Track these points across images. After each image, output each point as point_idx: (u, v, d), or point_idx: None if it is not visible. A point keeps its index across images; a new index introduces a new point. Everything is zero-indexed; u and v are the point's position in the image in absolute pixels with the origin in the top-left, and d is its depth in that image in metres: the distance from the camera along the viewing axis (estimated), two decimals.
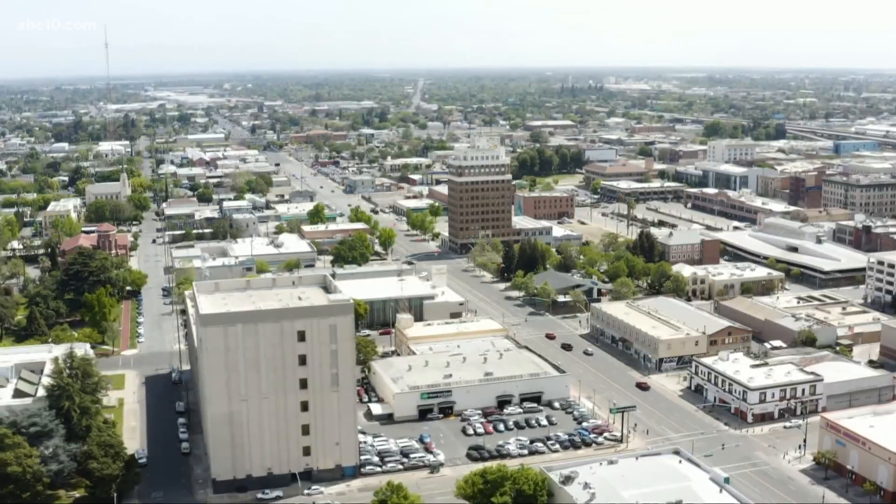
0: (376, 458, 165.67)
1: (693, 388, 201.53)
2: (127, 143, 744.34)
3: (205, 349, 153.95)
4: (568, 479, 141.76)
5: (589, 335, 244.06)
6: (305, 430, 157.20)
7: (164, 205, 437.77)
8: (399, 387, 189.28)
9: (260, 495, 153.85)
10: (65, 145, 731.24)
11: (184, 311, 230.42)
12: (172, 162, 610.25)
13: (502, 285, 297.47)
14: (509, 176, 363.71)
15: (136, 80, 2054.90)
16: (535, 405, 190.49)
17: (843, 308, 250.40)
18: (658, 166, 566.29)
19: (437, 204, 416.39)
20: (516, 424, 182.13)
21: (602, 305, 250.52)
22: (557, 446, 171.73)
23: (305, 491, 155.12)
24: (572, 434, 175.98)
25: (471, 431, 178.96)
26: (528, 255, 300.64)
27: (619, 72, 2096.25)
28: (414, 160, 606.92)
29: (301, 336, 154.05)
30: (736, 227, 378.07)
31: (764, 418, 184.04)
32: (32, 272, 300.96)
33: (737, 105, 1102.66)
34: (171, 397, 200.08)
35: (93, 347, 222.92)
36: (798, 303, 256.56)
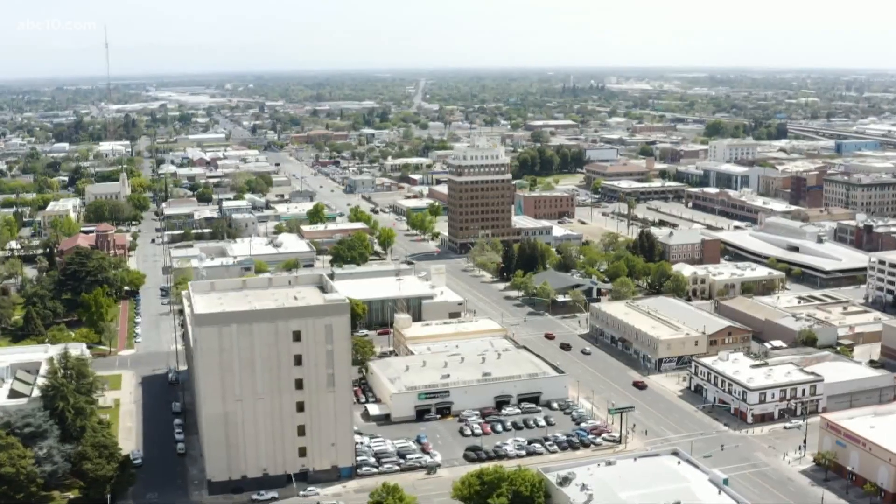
0: (373, 459, 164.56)
1: (692, 388, 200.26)
2: (127, 143, 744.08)
3: (199, 349, 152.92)
4: (565, 481, 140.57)
5: (588, 335, 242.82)
6: (301, 430, 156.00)
7: (163, 205, 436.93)
8: (396, 387, 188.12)
9: (255, 496, 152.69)
10: (65, 145, 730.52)
11: (181, 311, 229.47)
12: (173, 162, 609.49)
13: (502, 285, 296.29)
14: (509, 175, 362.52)
15: (137, 80, 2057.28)
16: (533, 406, 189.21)
17: (844, 308, 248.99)
18: (659, 166, 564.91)
19: (437, 204, 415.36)
20: (514, 425, 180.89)
21: (601, 305, 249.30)
22: (555, 447, 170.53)
23: (301, 492, 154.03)
24: (570, 435, 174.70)
25: (468, 432, 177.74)
26: (528, 254, 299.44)
27: (620, 72, 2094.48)
28: (414, 160, 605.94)
29: (296, 336, 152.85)
30: (737, 227, 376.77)
31: (764, 419, 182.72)
32: (30, 272, 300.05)
33: (738, 105, 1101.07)
34: (168, 398, 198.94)
35: (89, 348, 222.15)
36: (799, 302, 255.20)
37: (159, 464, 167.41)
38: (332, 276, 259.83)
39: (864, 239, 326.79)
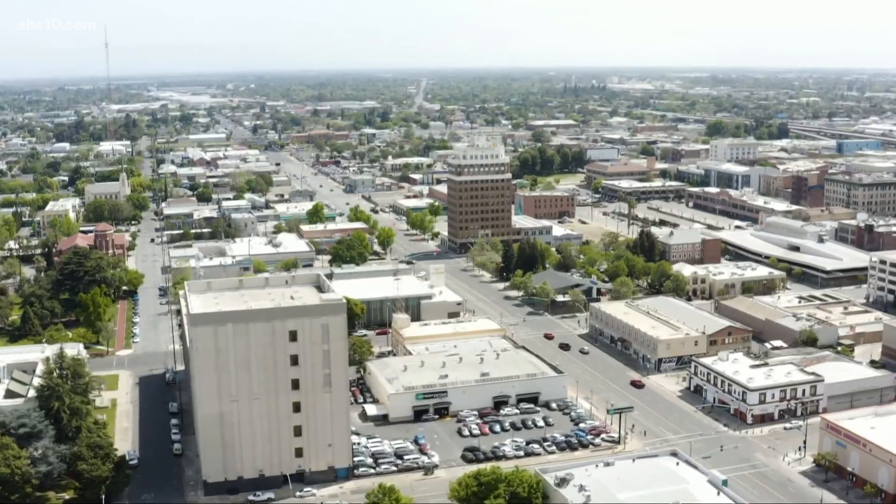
0: (370, 460, 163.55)
1: (692, 388, 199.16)
2: (128, 143, 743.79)
3: (195, 349, 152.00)
4: (563, 482, 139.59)
5: (588, 335, 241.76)
6: (297, 431, 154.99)
7: (163, 204, 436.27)
8: (394, 387, 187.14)
9: (251, 497, 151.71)
10: (66, 145, 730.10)
11: (179, 311, 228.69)
12: (173, 162, 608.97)
13: (501, 285, 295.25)
14: (509, 175, 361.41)
15: (138, 80, 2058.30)
16: (531, 406, 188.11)
17: (845, 308, 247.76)
18: (660, 165, 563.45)
19: (437, 203, 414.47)
20: (512, 425, 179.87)
21: (601, 305, 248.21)
22: (554, 448, 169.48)
23: (297, 493, 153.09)
24: (569, 435, 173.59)
25: (466, 433, 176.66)
26: (528, 254, 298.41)
27: (620, 72, 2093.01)
28: (415, 160, 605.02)
29: (293, 336, 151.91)
30: (737, 227, 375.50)
31: (763, 419, 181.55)
32: (29, 272, 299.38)
33: (740, 105, 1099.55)
34: (165, 398, 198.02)
35: (87, 347, 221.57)
36: (799, 302, 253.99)
37: (155, 464, 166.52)
38: (330, 276, 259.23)
39: (865, 238, 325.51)
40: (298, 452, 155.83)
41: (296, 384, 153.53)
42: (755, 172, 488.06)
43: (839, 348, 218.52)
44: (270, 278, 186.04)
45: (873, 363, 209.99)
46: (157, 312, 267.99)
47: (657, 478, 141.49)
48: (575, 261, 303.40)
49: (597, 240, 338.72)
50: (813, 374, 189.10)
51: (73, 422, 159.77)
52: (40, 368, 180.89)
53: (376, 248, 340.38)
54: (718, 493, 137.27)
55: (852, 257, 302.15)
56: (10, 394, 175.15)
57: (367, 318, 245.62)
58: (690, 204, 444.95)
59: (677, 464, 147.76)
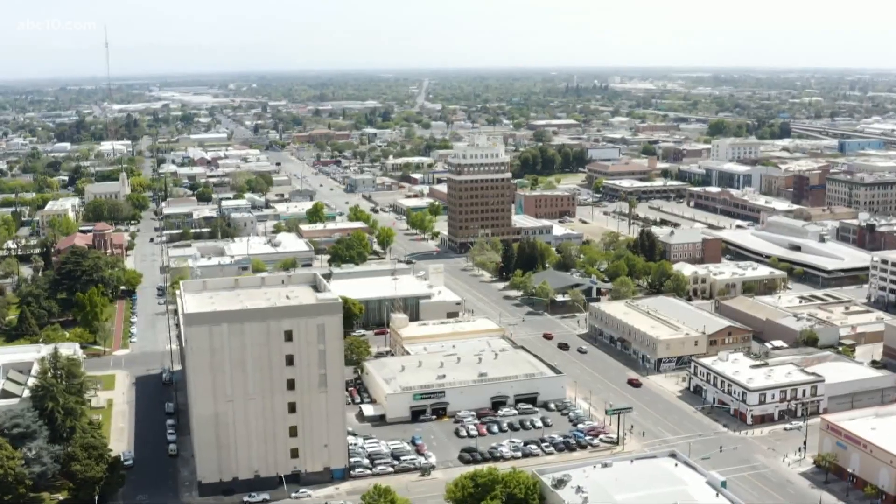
0: (366, 461, 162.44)
1: (692, 388, 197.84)
2: (129, 142, 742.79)
3: (190, 349, 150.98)
4: (560, 483, 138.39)
5: (587, 335, 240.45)
6: (293, 431, 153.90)
7: (162, 204, 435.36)
8: (391, 387, 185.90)
9: (246, 498, 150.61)
10: (67, 145, 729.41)
11: (177, 311, 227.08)
12: (173, 161, 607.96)
13: (501, 284, 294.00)
14: (509, 174, 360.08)
15: (141, 80, 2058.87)
16: (530, 406, 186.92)
17: (846, 307, 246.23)
18: (661, 165, 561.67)
19: (437, 203, 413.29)
20: (510, 426, 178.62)
21: (601, 305, 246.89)
22: (552, 448, 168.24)
23: (293, 494, 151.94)
24: (567, 436, 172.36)
25: (464, 433, 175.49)
26: (527, 254, 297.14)
27: (622, 72, 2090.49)
28: (416, 159, 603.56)
29: (288, 336, 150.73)
30: (738, 226, 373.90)
31: (763, 420, 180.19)
32: (27, 272, 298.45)
33: (742, 104, 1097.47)
34: (161, 398, 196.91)
35: (84, 347, 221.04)
36: (800, 302, 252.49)
37: (151, 465, 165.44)
38: (329, 276, 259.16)
39: (866, 238, 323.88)
40: (294, 453, 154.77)
41: (291, 384, 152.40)
42: (757, 172, 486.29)
43: (840, 348, 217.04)
44: (266, 278, 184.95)
45: (874, 363, 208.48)
46: (155, 312, 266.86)
47: (655, 479, 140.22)
48: (575, 260, 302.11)
49: (597, 239, 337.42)
50: (813, 374, 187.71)
51: (67, 422, 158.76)
52: (35, 368, 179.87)
53: (376, 247, 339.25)
54: (717, 495, 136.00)
55: (854, 257, 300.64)
56: (5, 394, 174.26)
57: (366, 318, 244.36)
58: (692, 203, 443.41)
59: (676, 465, 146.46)
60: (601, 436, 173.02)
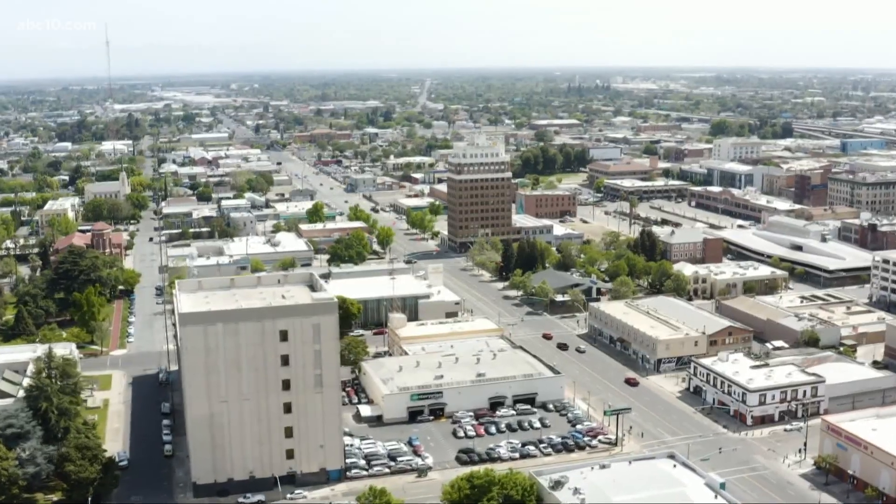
0: (363, 462, 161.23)
1: (692, 389, 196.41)
2: (130, 142, 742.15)
3: (185, 349, 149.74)
4: (557, 484, 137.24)
5: (587, 335, 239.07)
6: (288, 432, 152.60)
7: (162, 204, 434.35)
8: (389, 388, 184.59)
9: (241, 499, 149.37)
10: (68, 145, 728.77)
11: (174, 311, 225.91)
12: (174, 161, 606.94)
13: (500, 284, 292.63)
14: (509, 174, 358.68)
15: (143, 80, 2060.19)
16: (528, 407, 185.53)
17: (848, 307, 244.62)
18: (663, 165, 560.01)
19: (437, 202, 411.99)
20: (509, 427, 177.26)
21: (600, 305, 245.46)
22: (550, 450, 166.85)
23: (288, 495, 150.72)
24: (565, 437, 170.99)
25: (462, 434, 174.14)
26: (527, 253, 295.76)
27: (623, 72, 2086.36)
28: (417, 159, 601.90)
29: (283, 336, 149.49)
30: (740, 226, 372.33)
31: (764, 421, 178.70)
32: (25, 271, 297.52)
33: (744, 104, 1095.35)
34: (158, 398, 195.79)
35: (80, 347, 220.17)
36: (801, 302, 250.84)
37: (146, 465, 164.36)
38: (328, 275, 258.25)
39: (868, 238, 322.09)
40: (289, 454, 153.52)
41: (286, 385, 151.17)
42: (758, 171, 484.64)
43: (841, 349, 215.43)
44: (263, 277, 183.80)
45: (876, 364, 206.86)
46: (153, 312, 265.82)
47: (654, 480, 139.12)
48: (575, 260, 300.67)
49: (598, 239, 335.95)
50: (814, 374, 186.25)
51: (61, 422, 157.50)
52: (30, 368, 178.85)
53: (375, 247, 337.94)
54: (716, 496, 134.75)
55: (855, 257, 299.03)
56: (0, 394, 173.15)
57: (364, 318, 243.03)
58: (693, 203, 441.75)
59: (674, 466, 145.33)
60: (600, 437, 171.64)
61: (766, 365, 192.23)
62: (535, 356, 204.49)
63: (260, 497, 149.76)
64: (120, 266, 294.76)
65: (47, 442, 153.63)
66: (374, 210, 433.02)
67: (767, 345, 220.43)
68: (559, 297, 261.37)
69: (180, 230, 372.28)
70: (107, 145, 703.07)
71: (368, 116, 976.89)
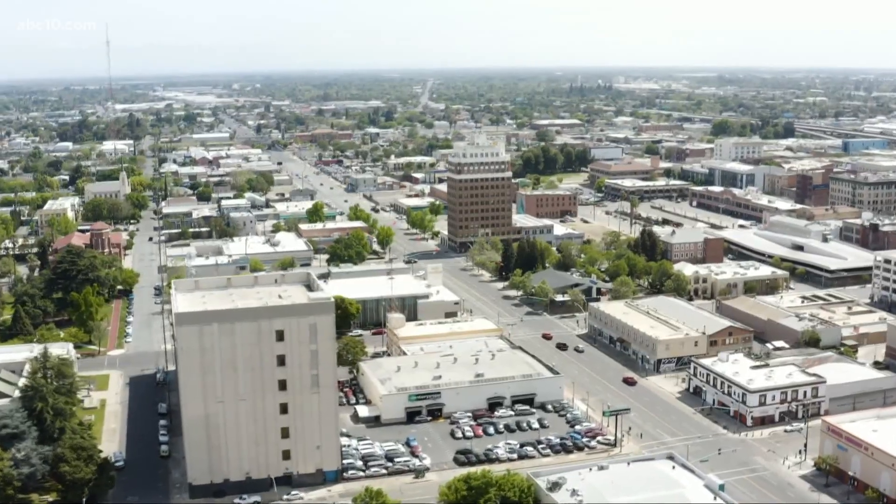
0: (360, 463, 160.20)
1: (691, 389, 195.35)
2: (131, 142, 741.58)
3: (181, 349, 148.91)
4: (555, 486, 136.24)
5: (587, 335, 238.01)
6: (285, 433, 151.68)
7: (162, 203, 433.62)
8: (386, 388, 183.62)
9: (237, 500, 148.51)
10: (69, 145, 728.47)
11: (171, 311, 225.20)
12: (175, 161, 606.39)
13: (500, 284, 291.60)
14: (509, 173, 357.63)
15: (145, 80, 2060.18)
16: (527, 407, 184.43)
17: (849, 308, 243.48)
18: (664, 165, 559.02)
19: (437, 202, 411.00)
20: (507, 427, 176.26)
21: (600, 305, 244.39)
22: (548, 450, 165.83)
23: (284, 496, 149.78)
24: (564, 438, 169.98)
25: (460, 435, 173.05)
26: (527, 253, 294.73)
27: (624, 72, 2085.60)
28: (418, 159, 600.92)
29: (279, 336, 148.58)
30: (741, 226, 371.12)
31: (764, 421, 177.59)
32: (24, 271, 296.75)
33: (746, 104, 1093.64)
34: (155, 398, 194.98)
35: (78, 347, 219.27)
36: (802, 302, 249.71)
37: (142, 466, 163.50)
38: (328, 275, 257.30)
39: (869, 238, 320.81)
40: (286, 455, 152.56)
41: (283, 385, 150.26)
42: (760, 171, 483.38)
43: (842, 349, 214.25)
44: (260, 277, 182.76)
45: (877, 364, 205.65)
46: (152, 312, 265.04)
47: (652, 482, 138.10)
48: (575, 260, 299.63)
49: (598, 239, 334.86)
50: (815, 375, 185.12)
51: (56, 423, 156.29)
52: (27, 368, 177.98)
53: (375, 247, 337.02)
54: (715, 498, 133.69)
55: (857, 256, 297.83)
56: None
57: (363, 318, 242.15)
58: (694, 203, 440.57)
59: (673, 467, 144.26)
60: (598, 437, 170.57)
61: (767, 365, 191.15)
62: (534, 356, 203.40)
63: (256, 498, 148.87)
64: (118, 266, 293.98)
65: (42, 442, 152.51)
66: (375, 210, 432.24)
67: (768, 345, 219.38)
68: (559, 297, 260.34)
69: (180, 230, 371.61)
70: (108, 145, 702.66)
71: (370, 116, 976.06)
